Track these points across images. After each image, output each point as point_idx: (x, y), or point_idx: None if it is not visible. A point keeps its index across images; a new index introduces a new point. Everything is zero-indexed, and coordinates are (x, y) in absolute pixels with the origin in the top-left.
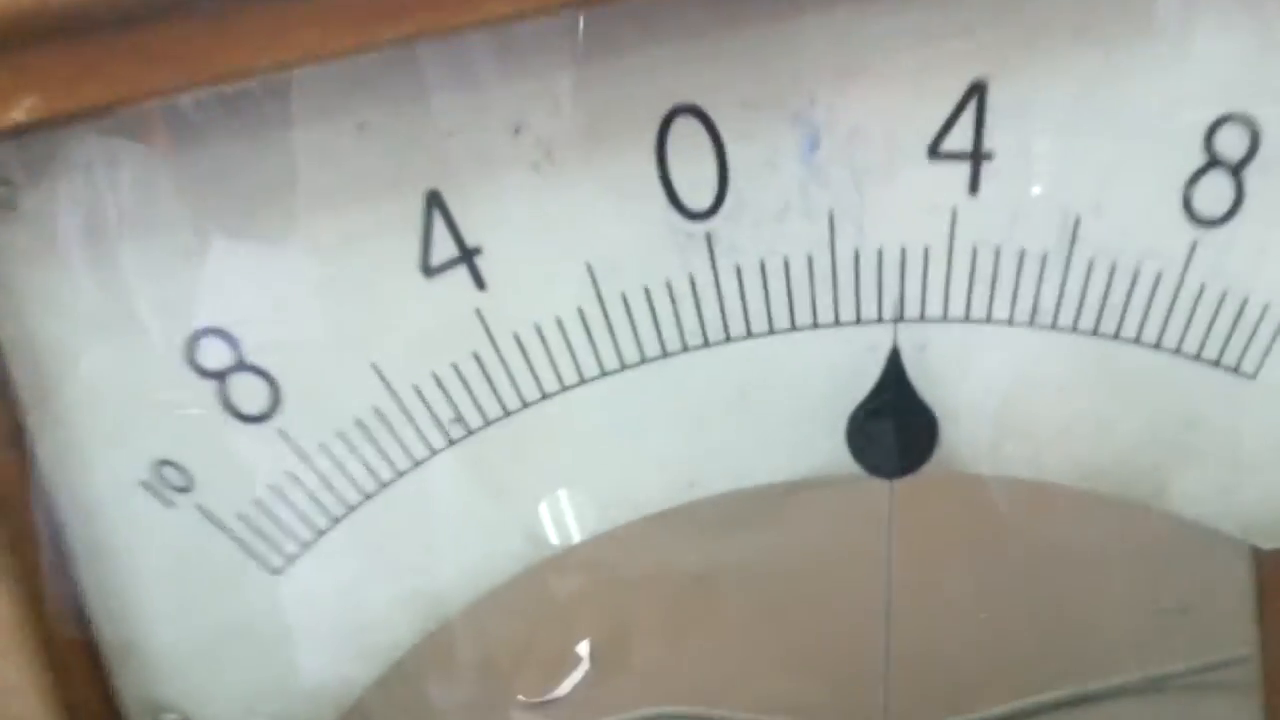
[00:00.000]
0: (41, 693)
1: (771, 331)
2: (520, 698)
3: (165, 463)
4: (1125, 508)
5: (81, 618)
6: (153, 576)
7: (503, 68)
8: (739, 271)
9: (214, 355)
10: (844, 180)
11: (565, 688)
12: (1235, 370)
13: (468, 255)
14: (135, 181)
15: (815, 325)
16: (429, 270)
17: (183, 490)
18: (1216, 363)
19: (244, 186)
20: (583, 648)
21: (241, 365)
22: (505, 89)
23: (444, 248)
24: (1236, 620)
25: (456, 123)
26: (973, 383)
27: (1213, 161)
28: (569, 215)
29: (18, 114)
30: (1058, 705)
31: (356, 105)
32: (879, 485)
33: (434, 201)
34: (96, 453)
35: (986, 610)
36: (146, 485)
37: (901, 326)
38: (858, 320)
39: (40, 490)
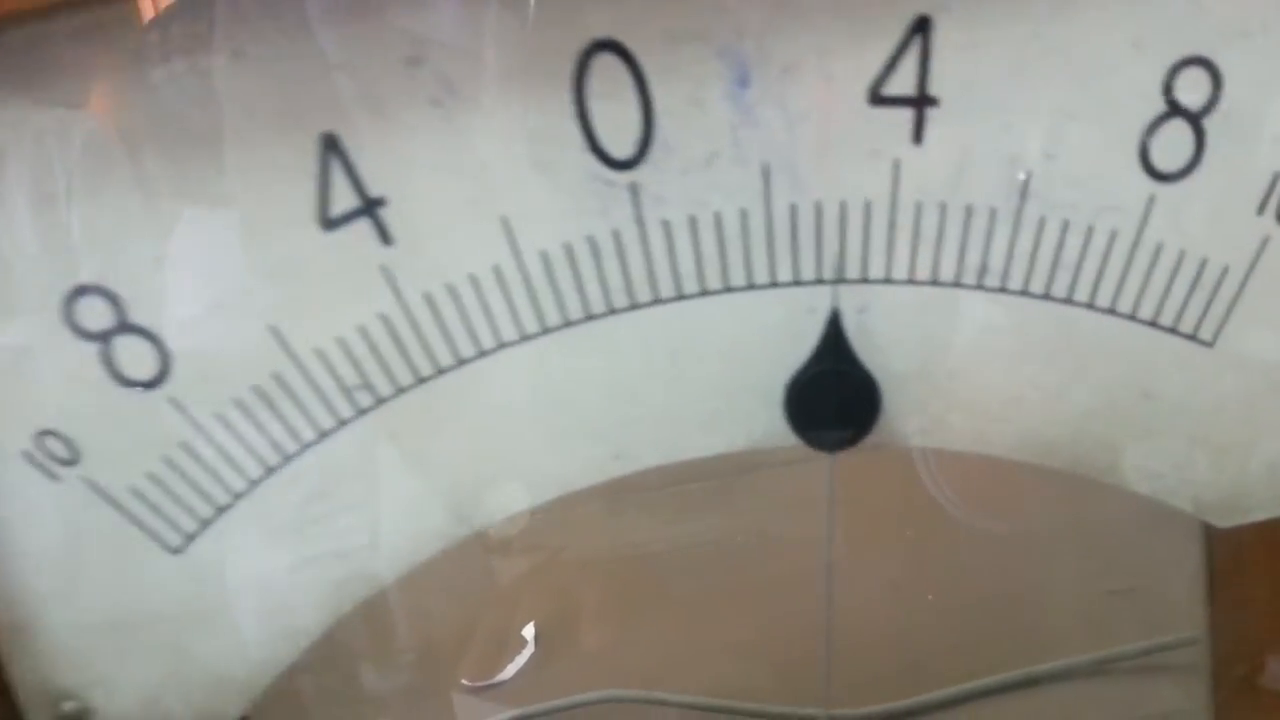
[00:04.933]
0: None
1: (704, 292)
2: (451, 680)
3: (47, 433)
4: (1074, 485)
5: None
6: (42, 555)
7: None
8: (667, 226)
9: (94, 315)
10: (778, 124)
11: (499, 670)
12: (1193, 337)
13: (370, 206)
14: None
15: (750, 286)
16: (328, 222)
17: (68, 463)
18: (1173, 329)
19: (115, 126)
20: (521, 630)
21: (125, 326)
22: (399, 16)
23: (344, 197)
24: (1186, 601)
25: (344, 54)
26: (917, 349)
27: (1172, 109)
28: (480, 163)
29: None
30: (1005, 687)
31: (231, 31)
32: (818, 459)
33: (330, 145)
34: None
35: (933, 590)
36: (28, 457)
37: (842, 288)
38: (796, 281)
39: None
